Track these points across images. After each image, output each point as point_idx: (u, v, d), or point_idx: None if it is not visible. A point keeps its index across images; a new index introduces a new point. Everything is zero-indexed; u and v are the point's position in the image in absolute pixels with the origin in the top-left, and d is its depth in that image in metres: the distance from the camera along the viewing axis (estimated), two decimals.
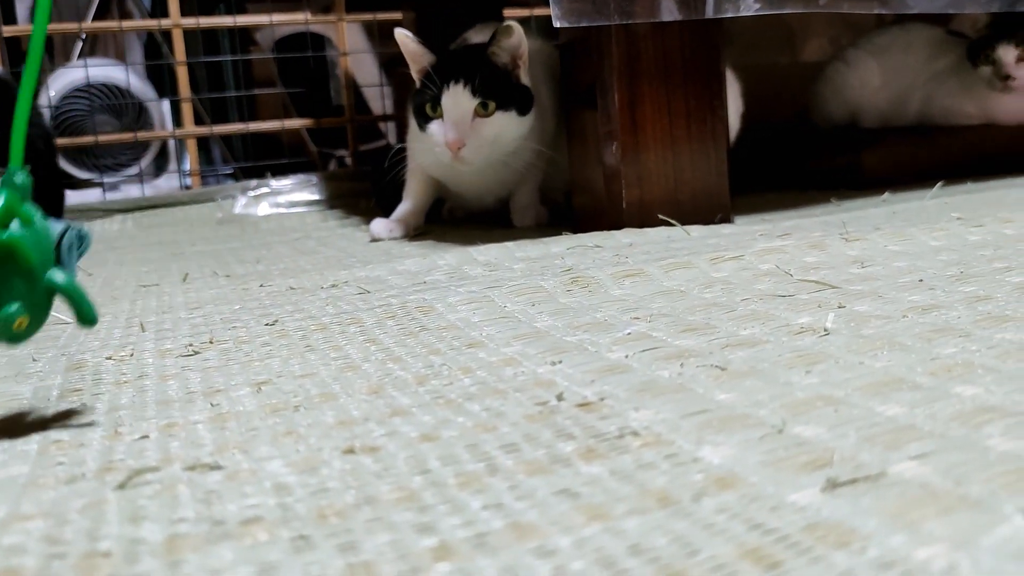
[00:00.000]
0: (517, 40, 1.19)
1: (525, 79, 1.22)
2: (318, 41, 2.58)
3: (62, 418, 0.53)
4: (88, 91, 2.39)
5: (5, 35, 1.98)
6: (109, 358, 0.67)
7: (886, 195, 1.28)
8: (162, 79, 2.51)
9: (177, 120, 2.30)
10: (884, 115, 1.74)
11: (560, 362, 0.55)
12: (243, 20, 2.22)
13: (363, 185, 1.90)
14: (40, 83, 2.34)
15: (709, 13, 1.06)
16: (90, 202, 1.93)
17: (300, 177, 1.94)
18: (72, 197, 1.97)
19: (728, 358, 0.52)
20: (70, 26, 2.26)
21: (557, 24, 1.03)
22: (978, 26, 1.57)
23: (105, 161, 2.39)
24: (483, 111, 1.19)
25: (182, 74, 2.14)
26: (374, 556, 0.32)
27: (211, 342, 0.69)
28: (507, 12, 2.12)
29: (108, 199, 2.04)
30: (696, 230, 1.04)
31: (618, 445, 0.41)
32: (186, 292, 0.96)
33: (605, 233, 1.05)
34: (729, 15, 1.07)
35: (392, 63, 2.13)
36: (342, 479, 0.40)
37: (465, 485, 0.38)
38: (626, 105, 1.10)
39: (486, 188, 1.35)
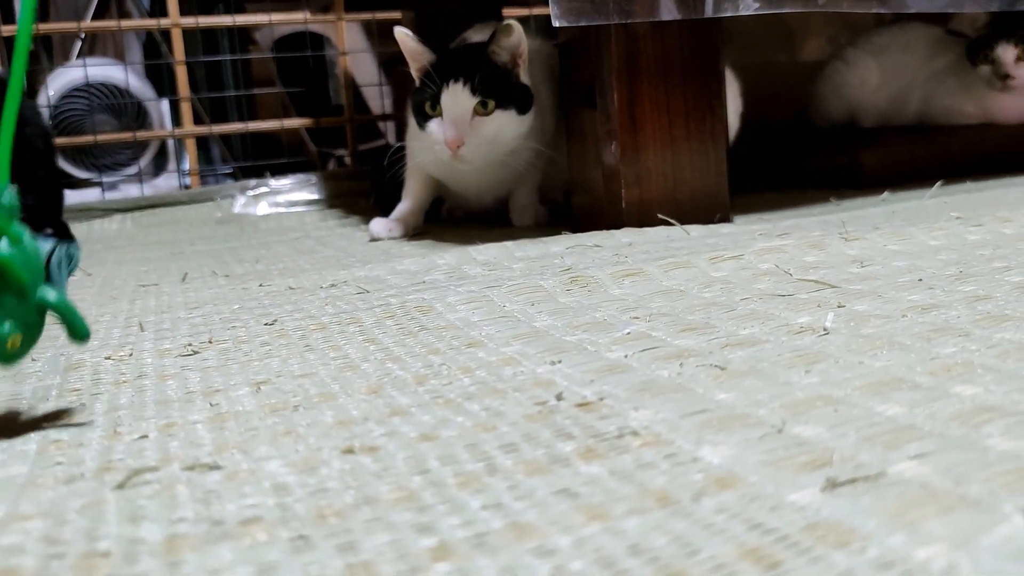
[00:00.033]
0: (517, 39, 1.19)
1: (525, 78, 1.22)
2: (317, 41, 2.58)
3: (61, 418, 0.53)
4: (87, 91, 2.39)
5: (5, 35, 1.98)
6: (108, 358, 0.67)
7: (885, 194, 1.28)
8: (161, 78, 2.50)
9: (176, 120, 2.30)
10: (883, 114, 1.74)
11: (559, 362, 0.55)
12: (242, 20, 2.21)
13: (362, 184, 1.90)
14: (39, 83, 2.34)
15: (708, 12, 1.06)
16: (89, 201, 1.93)
17: (299, 177, 1.94)
18: (71, 197, 1.97)
19: (727, 358, 0.52)
20: (69, 25, 2.26)
21: (556, 23, 1.03)
22: (977, 25, 1.57)
23: (104, 161, 2.39)
24: (482, 110, 1.19)
25: (181, 73, 2.14)
26: (373, 556, 0.32)
27: (210, 342, 0.69)
28: (506, 11, 2.12)
29: (107, 199, 2.03)
30: (695, 229, 1.04)
31: (617, 445, 0.41)
32: (185, 292, 0.95)
33: (604, 233, 1.05)
34: (728, 14, 1.07)
35: (391, 62, 2.13)
36: (341, 479, 0.40)
37: (464, 485, 0.38)
38: (625, 104, 1.10)
39: (485, 187, 1.35)
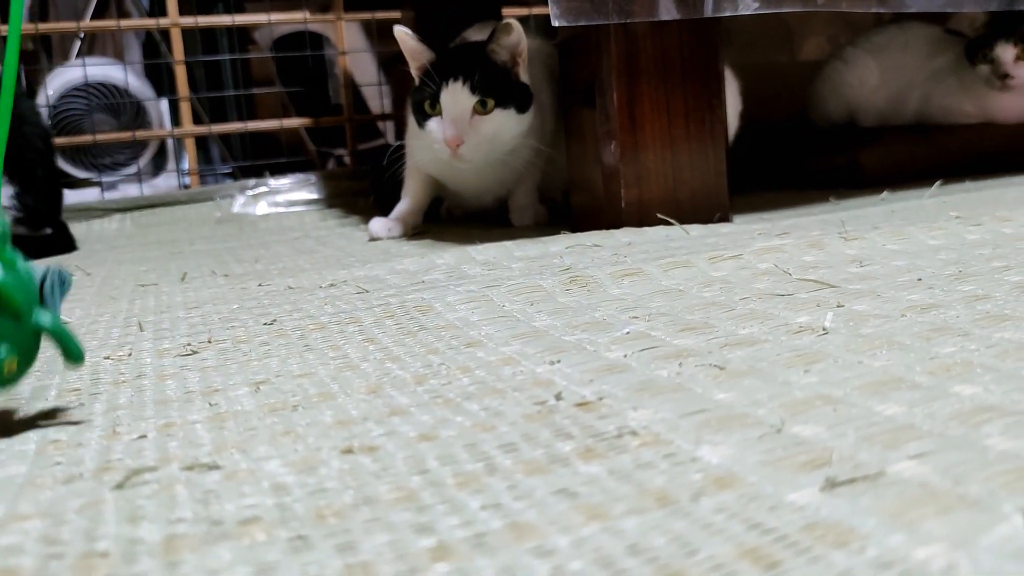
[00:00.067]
0: (516, 38, 1.19)
1: (524, 77, 1.22)
2: (317, 40, 2.58)
3: (60, 417, 0.53)
4: (86, 90, 2.38)
5: (4, 35, 1.98)
6: (107, 357, 0.67)
7: (884, 194, 1.28)
8: (160, 78, 2.50)
9: (175, 119, 2.30)
10: (882, 114, 1.74)
11: (559, 361, 0.55)
12: (241, 19, 2.21)
13: (361, 184, 1.90)
14: (39, 82, 2.34)
15: (708, 12, 1.06)
16: (88, 201, 1.93)
17: (299, 176, 1.94)
18: (70, 196, 1.97)
19: (727, 357, 0.52)
20: (68, 25, 2.26)
21: (556, 23, 1.03)
22: (976, 25, 1.57)
23: (103, 160, 2.39)
24: (482, 109, 1.19)
25: (180, 73, 2.14)
26: (372, 556, 0.32)
27: (209, 342, 0.69)
28: (506, 11, 2.12)
29: (106, 198, 2.03)
30: (695, 229, 1.04)
31: (617, 445, 0.41)
32: (184, 291, 0.95)
33: (604, 232, 1.05)
34: (727, 14, 1.06)
35: (391, 62, 2.13)
36: (340, 479, 0.40)
37: (464, 485, 0.38)
38: (625, 104, 1.10)
39: (485, 187, 1.35)
